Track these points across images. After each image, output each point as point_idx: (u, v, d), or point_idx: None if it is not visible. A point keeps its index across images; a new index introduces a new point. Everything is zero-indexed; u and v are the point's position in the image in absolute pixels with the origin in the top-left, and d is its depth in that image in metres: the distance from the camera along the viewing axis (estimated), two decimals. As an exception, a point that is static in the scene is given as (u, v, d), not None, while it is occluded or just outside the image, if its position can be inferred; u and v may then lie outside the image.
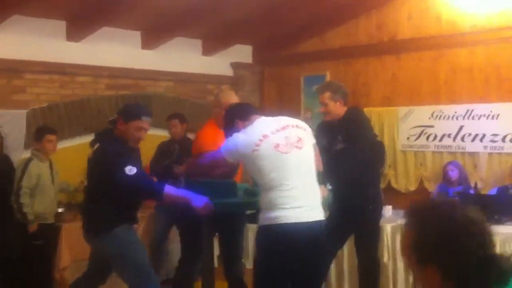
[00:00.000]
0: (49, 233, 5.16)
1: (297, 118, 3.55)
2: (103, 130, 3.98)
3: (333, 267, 5.26)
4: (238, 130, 3.38)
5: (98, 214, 3.76)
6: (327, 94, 4.33)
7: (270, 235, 3.18)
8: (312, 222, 3.20)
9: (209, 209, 3.52)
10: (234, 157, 3.32)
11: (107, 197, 3.69)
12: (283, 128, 3.30)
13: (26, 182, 5.03)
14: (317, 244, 3.23)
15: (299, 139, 3.29)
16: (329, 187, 3.97)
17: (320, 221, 3.26)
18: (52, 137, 5.24)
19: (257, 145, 3.21)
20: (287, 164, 3.21)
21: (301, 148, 3.27)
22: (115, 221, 3.72)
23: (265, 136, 3.23)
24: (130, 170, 3.51)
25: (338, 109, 4.34)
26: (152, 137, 6.25)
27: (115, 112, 6.01)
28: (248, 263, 6.28)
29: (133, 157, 3.71)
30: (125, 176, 3.50)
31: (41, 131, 5.26)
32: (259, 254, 3.31)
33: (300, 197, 3.20)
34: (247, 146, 3.23)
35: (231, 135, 3.39)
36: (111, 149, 3.68)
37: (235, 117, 3.45)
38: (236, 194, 3.75)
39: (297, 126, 3.38)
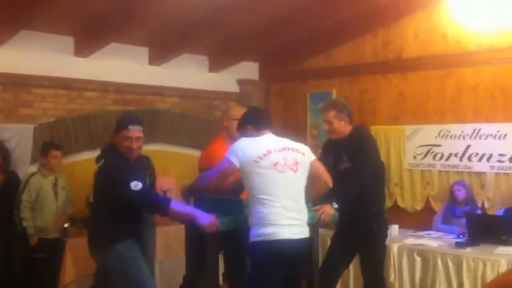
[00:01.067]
0: (51, 248, 5.14)
1: (304, 134, 3.65)
2: (107, 146, 3.99)
3: (339, 286, 5.22)
4: (246, 135, 3.59)
5: (101, 229, 3.77)
6: (332, 113, 4.34)
7: (264, 250, 3.37)
8: (301, 239, 3.45)
9: (215, 227, 3.51)
10: (239, 159, 3.43)
11: (109, 211, 3.69)
12: (284, 149, 3.51)
13: (26, 196, 5.06)
14: (302, 258, 3.63)
15: (296, 163, 3.51)
16: (335, 205, 3.96)
17: (307, 238, 3.52)
18: (57, 152, 5.25)
19: (260, 158, 3.41)
20: (281, 183, 3.44)
21: (295, 171, 3.50)
22: (117, 235, 3.72)
23: (268, 152, 3.43)
24: (136, 185, 3.51)
25: (343, 127, 4.35)
26: (159, 152, 6.32)
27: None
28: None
29: (137, 171, 3.72)
30: (131, 192, 3.50)
31: (47, 147, 5.27)
32: (252, 268, 3.46)
33: (290, 215, 3.43)
34: (252, 154, 3.42)
35: (239, 136, 3.65)
36: (115, 165, 3.69)
37: (249, 123, 3.66)
38: (242, 211, 3.74)
39: (297, 150, 3.58)
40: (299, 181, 3.54)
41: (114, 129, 3.82)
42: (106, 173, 3.69)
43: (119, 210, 3.68)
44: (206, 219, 3.50)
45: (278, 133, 3.74)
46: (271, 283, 3.37)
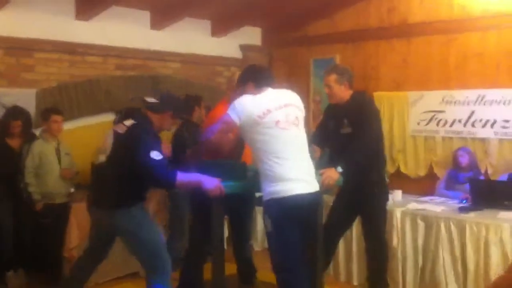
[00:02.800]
0: (58, 213, 5.16)
1: (306, 100, 3.63)
2: (134, 110, 3.98)
3: (341, 248, 5.27)
4: (246, 92, 3.54)
5: (115, 190, 3.73)
6: (333, 77, 4.32)
7: (281, 206, 3.37)
8: (314, 192, 3.50)
9: (220, 190, 3.52)
10: (239, 116, 3.42)
11: (126, 174, 3.66)
12: (286, 105, 3.50)
13: (30, 161, 5.05)
14: (317, 211, 3.68)
15: (296, 118, 3.52)
16: (339, 169, 3.96)
17: (318, 191, 3.57)
18: (57, 117, 5.21)
19: (260, 117, 3.40)
20: (286, 139, 3.44)
21: (297, 125, 3.52)
22: (132, 198, 3.73)
23: (268, 111, 3.41)
24: (157, 155, 3.51)
25: (343, 92, 4.33)
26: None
27: (123, 94, 6.08)
28: (256, 245, 6.31)
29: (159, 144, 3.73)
30: (149, 159, 3.49)
31: (47, 112, 5.24)
32: (274, 226, 3.41)
33: (301, 170, 3.47)
34: (252, 111, 3.41)
35: (239, 93, 3.60)
36: (147, 132, 3.67)
37: (250, 79, 3.62)
38: (246, 175, 3.74)
39: (296, 106, 3.58)
40: (303, 136, 3.57)
41: (157, 106, 3.80)
42: (135, 139, 3.63)
43: (137, 174, 3.67)
44: (211, 183, 3.50)
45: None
46: (292, 237, 3.39)
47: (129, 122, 3.75)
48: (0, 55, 5.43)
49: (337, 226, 4.59)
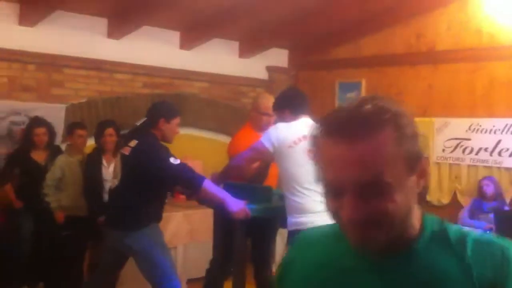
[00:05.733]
0: (78, 226, 5.15)
1: None
2: (139, 129, 4.04)
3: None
4: (283, 119, 3.54)
5: (130, 212, 3.79)
6: None
7: None
8: None
9: (245, 214, 3.52)
10: (272, 144, 3.42)
11: (140, 194, 3.72)
12: None
13: (50, 174, 5.05)
14: None
15: None
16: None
17: None
18: (82, 132, 5.24)
19: (295, 143, 3.36)
20: (313, 171, 3.31)
21: None
22: (146, 219, 3.78)
23: (304, 137, 3.33)
24: (175, 160, 3.60)
25: None
26: (186, 136, 6.35)
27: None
28: (276, 268, 6.29)
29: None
30: (170, 165, 3.57)
31: (72, 126, 5.29)
32: None
33: (322, 202, 3.31)
34: (286, 138, 3.39)
35: (274, 119, 3.65)
36: (154, 144, 3.75)
37: (286, 106, 3.61)
38: (271, 199, 3.75)
39: None
40: None
41: (162, 115, 3.84)
42: (145, 152, 3.70)
43: (150, 193, 3.74)
44: (237, 205, 3.51)
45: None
46: None
47: (133, 143, 3.81)
48: (32, 70, 5.53)
49: None
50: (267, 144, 3.44)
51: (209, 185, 3.58)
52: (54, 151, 5.23)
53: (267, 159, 3.62)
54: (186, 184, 3.94)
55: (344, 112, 1.07)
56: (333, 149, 1.05)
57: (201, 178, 3.60)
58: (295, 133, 3.41)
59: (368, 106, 1.04)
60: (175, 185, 3.94)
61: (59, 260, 5.12)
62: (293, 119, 3.54)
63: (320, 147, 1.11)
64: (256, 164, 3.74)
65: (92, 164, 5.14)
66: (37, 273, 5.14)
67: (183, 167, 3.62)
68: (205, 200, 3.90)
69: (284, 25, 6.56)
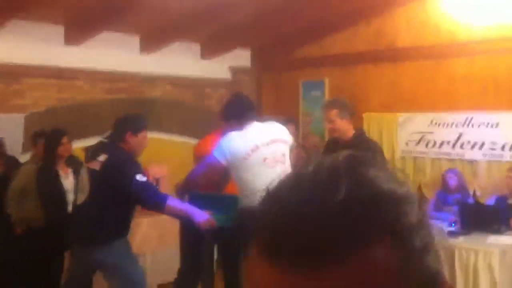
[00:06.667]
0: (37, 238, 5.01)
1: (296, 122, 3.66)
2: (106, 144, 3.98)
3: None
4: (232, 129, 3.56)
5: (101, 226, 3.73)
6: (335, 111, 4.31)
7: None
8: None
9: (211, 224, 3.54)
10: (226, 158, 3.44)
11: (111, 208, 3.68)
12: (273, 141, 3.52)
13: (14, 183, 4.92)
14: None
15: (283, 155, 3.55)
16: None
17: None
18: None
19: (248, 154, 3.41)
20: (272, 178, 3.30)
21: (284, 163, 3.55)
22: (117, 233, 3.74)
23: (256, 147, 3.43)
24: (141, 177, 3.57)
25: (345, 125, 4.34)
26: (150, 140, 6.29)
27: (112, 117, 6.05)
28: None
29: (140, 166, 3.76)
30: (136, 182, 3.53)
31: (35, 136, 5.17)
32: None
33: None
34: (240, 151, 3.43)
35: (226, 129, 3.62)
36: (125, 159, 3.71)
37: (232, 117, 3.64)
38: (237, 208, 3.75)
39: (284, 141, 3.61)
40: (287, 172, 3.54)
41: (129, 129, 3.79)
42: (114, 166, 3.66)
43: (120, 207, 3.71)
44: (202, 216, 3.52)
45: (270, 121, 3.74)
46: None
47: (103, 157, 3.75)
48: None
49: None
50: (220, 158, 3.45)
51: (172, 203, 3.58)
52: (10, 162, 5.11)
53: (220, 172, 3.62)
54: (148, 207, 3.91)
55: (295, 210, 0.59)
56: (273, 281, 0.57)
57: (164, 198, 3.58)
58: (248, 143, 3.44)
59: (340, 196, 0.56)
60: (138, 205, 3.86)
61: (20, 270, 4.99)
62: (242, 128, 3.55)
63: (252, 272, 0.60)
64: (214, 178, 3.76)
65: (48, 177, 5.00)
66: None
67: (147, 188, 3.58)
68: (171, 215, 3.88)
69: (245, 26, 6.54)
